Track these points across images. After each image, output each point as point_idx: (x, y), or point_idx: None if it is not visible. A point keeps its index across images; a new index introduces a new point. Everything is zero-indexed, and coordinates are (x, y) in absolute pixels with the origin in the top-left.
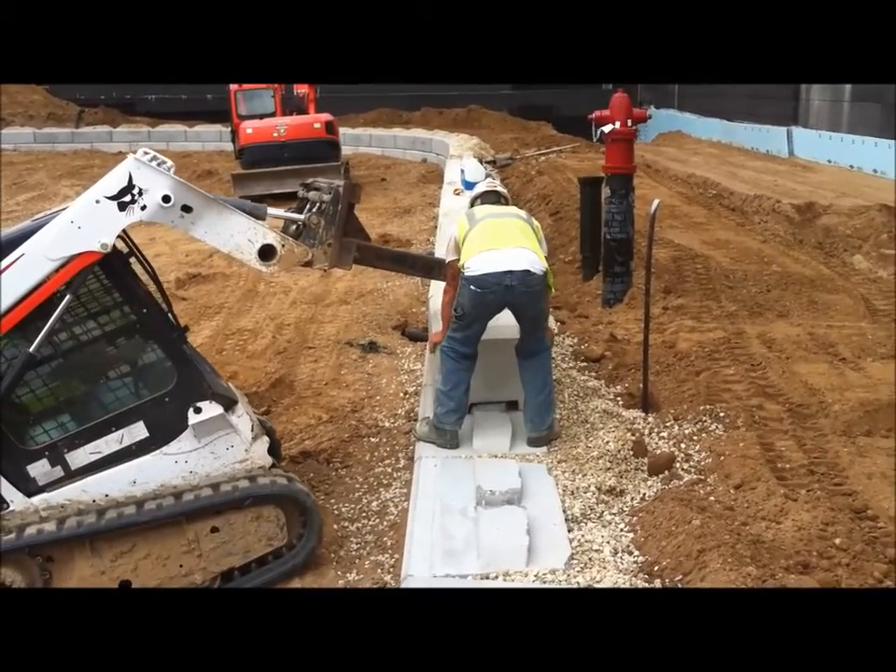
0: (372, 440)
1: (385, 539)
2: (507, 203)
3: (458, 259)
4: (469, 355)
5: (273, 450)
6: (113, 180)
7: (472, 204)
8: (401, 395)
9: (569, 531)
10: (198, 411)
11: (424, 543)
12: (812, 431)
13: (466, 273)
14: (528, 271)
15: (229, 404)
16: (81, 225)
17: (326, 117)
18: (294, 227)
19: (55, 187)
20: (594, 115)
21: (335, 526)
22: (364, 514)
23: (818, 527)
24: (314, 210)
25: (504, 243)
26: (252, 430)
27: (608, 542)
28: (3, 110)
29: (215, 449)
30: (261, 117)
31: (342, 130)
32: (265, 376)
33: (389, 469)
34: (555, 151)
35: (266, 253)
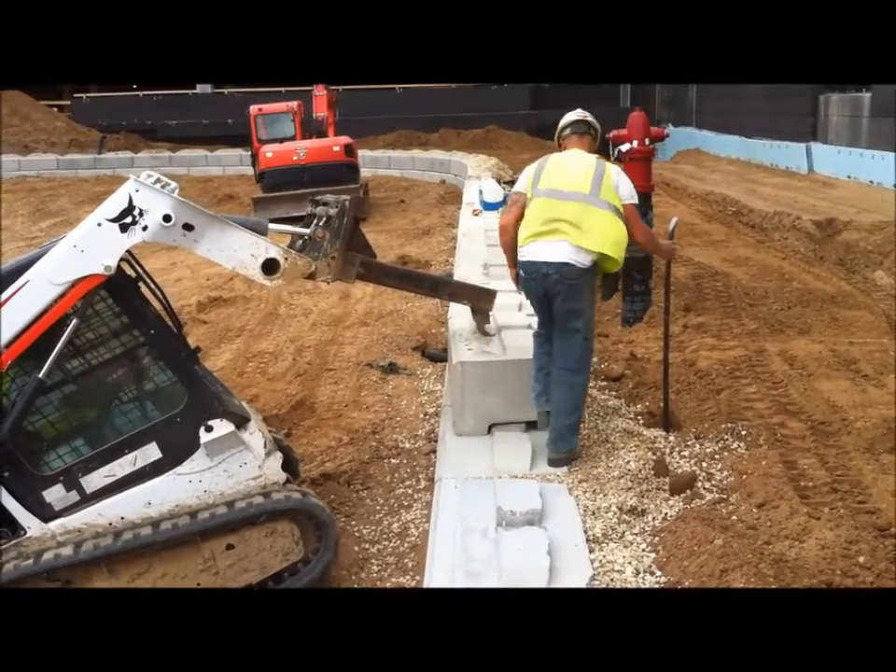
0: (393, 461)
1: (406, 560)
2: (595, 136)
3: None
4: (545, 336)
5: (290, 466)
6: (114, 203)
7: (560, 135)
8: (421, 416)
9: (591, 552)
10: (209, 429)
11: (445, 565)
12: (835, 449)
13: (519, 257)
14: (566, 262)
15: (240, 422)
16: (84, 248)
17: (345, 140)
18: (300, 241)
19: (77, 213)
20: (611, 134)
21: (356, 548)
22: (385, 536)
23: (841, 546)
24: (320, 224)
25: (552, 233)
26: (265, 447)
27: (629, 563)
28: (26, 137)
29: (228, 467)
30: (281, 140)
31: (361, 152)
32: (286, 398)
33: (410, 491)
34: None
35: (269, 267)
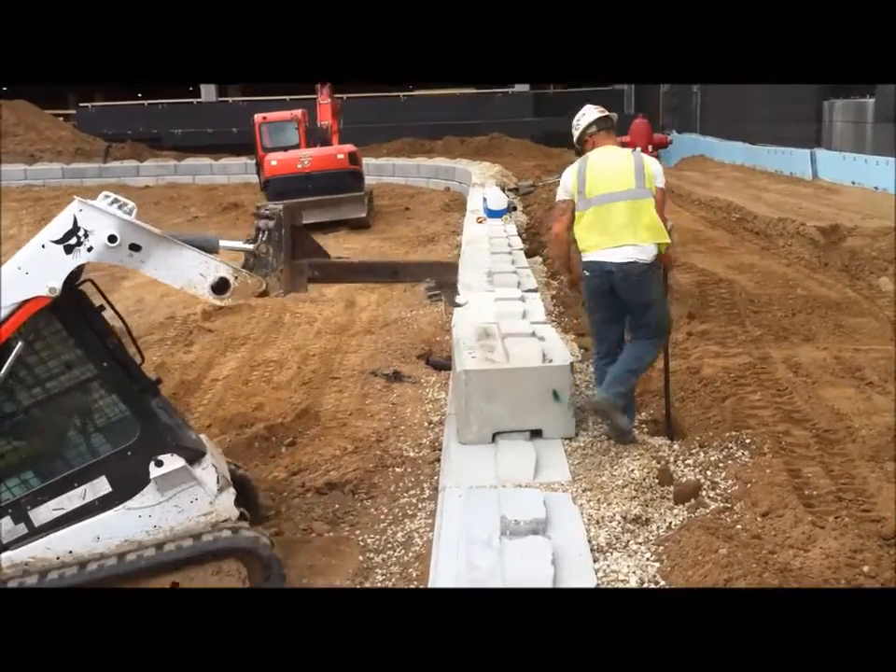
0: (397, 470)
1: (411, 570)
2: (613, 126)
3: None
4: (605, 353)
5: (249, 500)
6: (58, 224)
7: (583, 137)
8: (426, 424)
9: (595, 561)
10: (159, 464)
11: (448, 574)
12: (839, 457)
13: (583, 258)
14: (631, 261)
15: (194, 456)
16: (28, 270)
17: (349, 148)
18: (252, 258)
19: None
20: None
21: (360, 558)
22: (389, 545)
23: (846, 555)
24: (262, 239)
25: (612, 241)
26: (218, 482)
27: (633, 572)
28: (31, 146)
29: (179, 502)
30: (286, 149)
31: (365, 160)
32: (291, 407)
33: (414, 500)
34: None
35: (220, 286)
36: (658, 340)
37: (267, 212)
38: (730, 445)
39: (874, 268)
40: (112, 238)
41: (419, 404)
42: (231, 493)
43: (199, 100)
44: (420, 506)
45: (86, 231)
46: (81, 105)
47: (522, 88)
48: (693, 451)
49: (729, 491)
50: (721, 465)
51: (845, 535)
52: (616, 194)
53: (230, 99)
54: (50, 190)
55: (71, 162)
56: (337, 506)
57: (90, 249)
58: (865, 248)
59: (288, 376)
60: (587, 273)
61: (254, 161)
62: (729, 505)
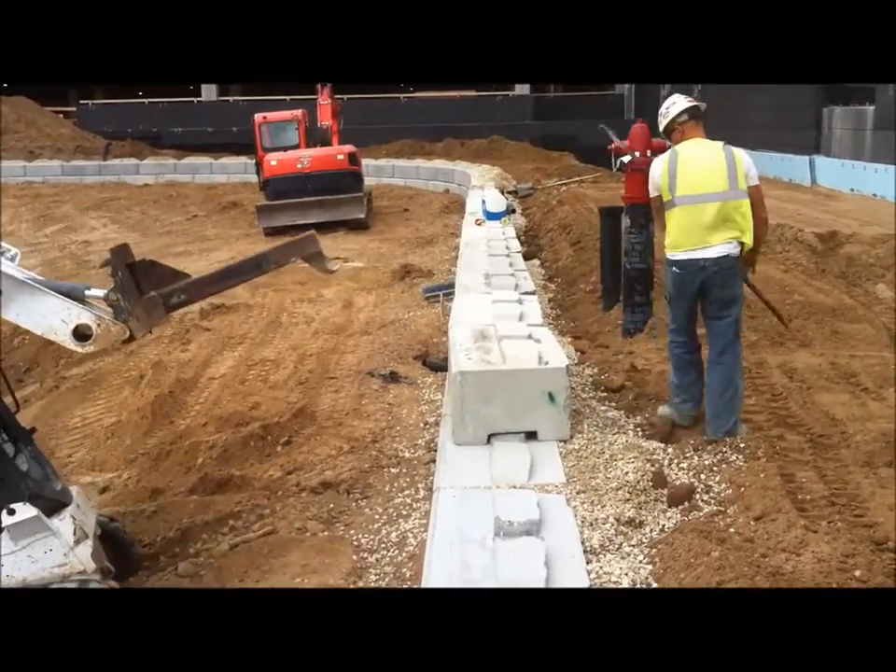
0: (393, 470)
1: (404, 570)
2: (702, 116)
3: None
4: (683, 343)
5: (123, 552)
6: None
7: (672, 125)
8: (422, 425)
9: (588, 563)
10: (11, 512)
11: (441, 575)
12: (833, 462)
13: (670, 256)
14: (723, 255)
15: (53, 507)
16: None
17: (349, 148)
18: (111, 305)
19: (82, 219)
20: (613, 145)
21: (354, 557)
22: (383, 545)
23: (838, 559)
24: (110, 287)
25: (703, 240)
26: (75, 534)
27: (626, 574)
28: (31, 143)
29: (32, 552)
30: (285, 149)
31: (364, 161)
32: (287, 406)
33: (409, 500)
34: (577, 181)
35: (82, 333)
36: (738, 341)
37: (108, 257)
38: (724, 449)
39: (871, 275)
40: None
41: (415, 405)
42: (88, 545)
43: (199, 99)
44: (415, 506)
45: None
46: (81, 102)
47: (522, 90)
48: (688, 454)
49: (722, 494)
50: (714, 468)
51: (837, 539)
52: (707, 195)
53: (230, 98)
54: (50, 188)
55: (71, 160)
56: (332, 505)
57: None
58: (863, 255)
59: (285, 376)
60: (677, 271)
61: (253, 161)
62: (722, 508)
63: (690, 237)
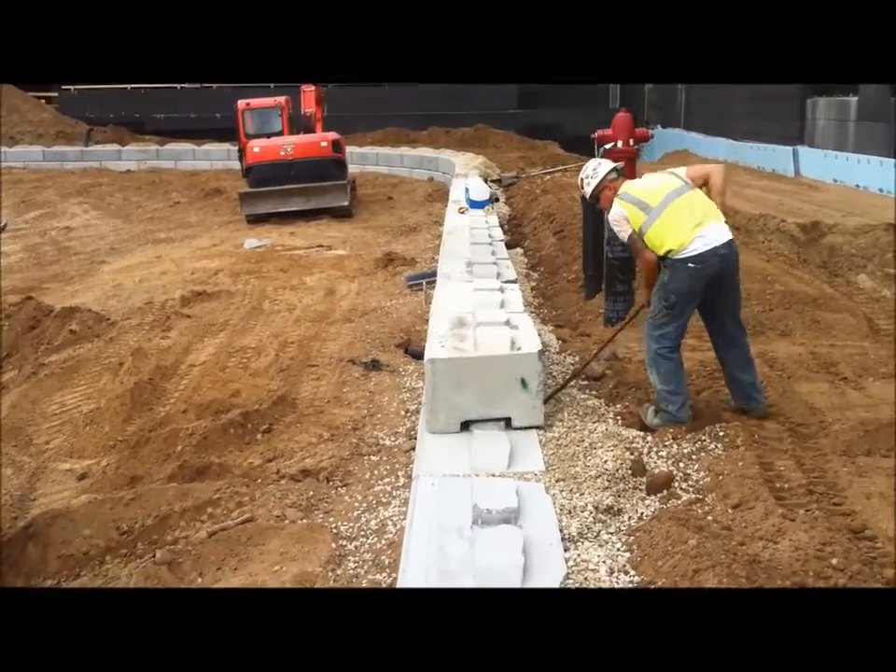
0: (373, 458)
1: (383, 557)
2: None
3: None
4: (674, 348)
5: None
6: None
7: (601, 185)
8: (402, 413)
9: (566, 550)
10: None
11: (419, 563)
12: (812, 451)
13: (682, 255)
14: (732, 239)
15: None
16: None
17: (333, 135)
18: None
19: (63, 205)
20: (596, 134)
21: (333, 545)
22: (363, 533)
23: (815, 547)
24: None
25: (705, 220)
26: None
27: (604, 562)
28: (13, 129)
29: None
30: (269, 135)
31: (349, 148)
32: (267, 394)
33: (389, 488)
34: (560, 170)
35: None
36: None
37: None
38: (703, 437)
39: (852, 265)
40: None
41: (396, 393)
42: None
43: (182, 85)
44: (394, 494)
45: None
46: (64, 87)
47: None
48: (667, 443)
49: (701, 483)
50: (693, 457)
51: (814, 528)
52: (673, 192)
53: (213, 85)
54: (31, 173)
55: (52, 145)
56: (311, 493)
57: None
58: (845, 245)
59: (266, 363)
60: (696, 266)
61: (237, 148)
62: (701, 496)
63: (684, 228)
